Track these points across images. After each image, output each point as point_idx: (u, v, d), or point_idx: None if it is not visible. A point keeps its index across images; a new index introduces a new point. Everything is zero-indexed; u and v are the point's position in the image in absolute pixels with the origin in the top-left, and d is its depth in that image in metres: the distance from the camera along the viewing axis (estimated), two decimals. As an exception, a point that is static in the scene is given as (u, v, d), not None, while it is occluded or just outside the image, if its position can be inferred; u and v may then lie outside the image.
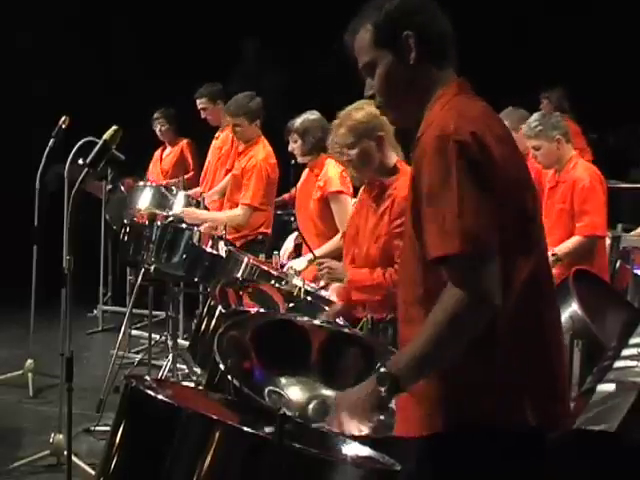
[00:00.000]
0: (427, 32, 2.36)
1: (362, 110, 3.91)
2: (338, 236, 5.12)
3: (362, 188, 4.21)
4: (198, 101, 7.29)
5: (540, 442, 2.29)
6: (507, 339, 2.23)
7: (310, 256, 4.89)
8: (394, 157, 3.98)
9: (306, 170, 5.71)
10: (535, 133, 5.44)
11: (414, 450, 2.32)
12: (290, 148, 5.67)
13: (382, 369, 2.25)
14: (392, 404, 2.72)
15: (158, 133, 8.26)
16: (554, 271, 5.04)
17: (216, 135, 7.28)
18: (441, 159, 2.17)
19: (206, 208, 6.35)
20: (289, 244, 5.69)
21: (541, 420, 2.26)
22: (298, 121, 5.57)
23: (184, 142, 8.32)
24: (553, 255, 4.98)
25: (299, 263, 4.95)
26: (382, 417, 2.87)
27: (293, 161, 6.23)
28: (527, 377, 2.26)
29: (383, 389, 2.22)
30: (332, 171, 5.35)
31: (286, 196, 7.46)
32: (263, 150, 6.30)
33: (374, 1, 2.42)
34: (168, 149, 8.36)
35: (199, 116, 7.34)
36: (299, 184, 5.75)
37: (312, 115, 5.58)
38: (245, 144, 6.38)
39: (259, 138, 6.35)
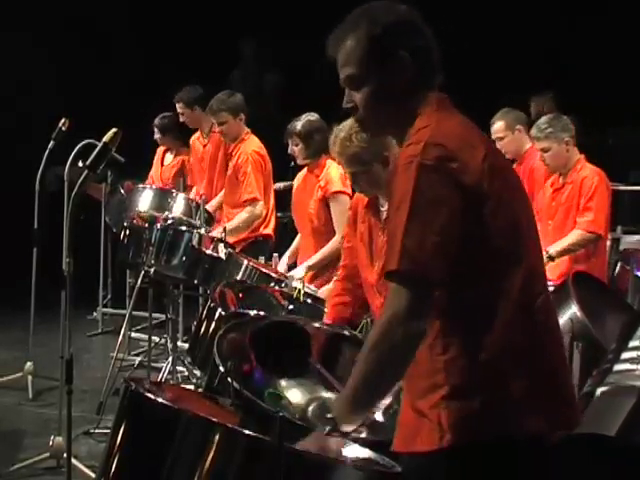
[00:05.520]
0: (421, 54, 2.33)
1: (358, 134, 3.59)
2: (334, 239, 5.14)
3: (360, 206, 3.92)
4: (177, 105, 7.22)
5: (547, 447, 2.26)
6: (507, 349, 2.20)
7: (307, 263, 5.05)
8: None
9: (302, 171, 5.71)
10: (545, 135, 5.41)
11: (416, 466, 2.25)
12: (290, 150, 5.63)
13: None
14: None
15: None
16: (557, 271, 5.11)
17: (203, 142, 7.20)
18: (405, 179, 2.18)
19: (206, 211, 6.34)
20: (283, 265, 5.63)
21: (553, 426, 2.24)
22: (299, 124, 5.47)
23: (185, 155, 7.81)
24: (546, 253, 5.00)
25: (298, 272, 5.01)
26: (382, 419, 2.88)
27: (293, 162, 6.22)
28: (533, 386, 2.22)
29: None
30: (334, 172, 5.34)
31: None
32: (252, 144, 6.34)
33: (364, 11, 2.35)
34: (169, 155, 8.13)
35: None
36: (295, 185, 5.74)
37: (312, 117, 5.51)
38: (233, 142, 6.41)
39: (246, 134, 6.40)
